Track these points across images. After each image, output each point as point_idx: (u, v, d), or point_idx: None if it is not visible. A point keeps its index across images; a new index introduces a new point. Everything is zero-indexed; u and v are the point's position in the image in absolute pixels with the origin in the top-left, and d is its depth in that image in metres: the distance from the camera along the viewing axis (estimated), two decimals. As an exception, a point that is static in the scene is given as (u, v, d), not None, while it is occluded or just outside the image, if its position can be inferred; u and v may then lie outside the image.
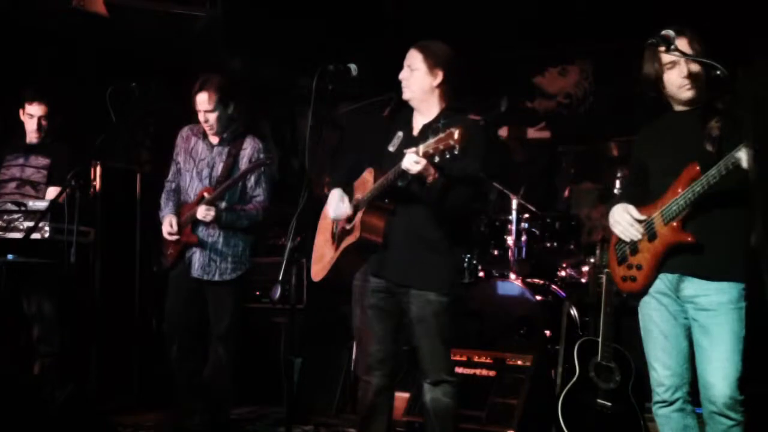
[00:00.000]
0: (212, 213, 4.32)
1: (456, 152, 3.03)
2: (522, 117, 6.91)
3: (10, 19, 5.42)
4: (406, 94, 3.57)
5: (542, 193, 6.48)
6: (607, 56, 6.51)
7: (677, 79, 3.08)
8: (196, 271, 4.44)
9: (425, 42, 3.58)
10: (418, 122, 3.60)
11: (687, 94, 3.09)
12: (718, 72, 2.91)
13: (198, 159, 4.54)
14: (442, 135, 3.06)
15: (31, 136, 4.77)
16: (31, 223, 4.31)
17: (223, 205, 4.37)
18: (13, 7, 5.35)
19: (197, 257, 4.45)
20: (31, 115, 4.74)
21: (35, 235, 4.29)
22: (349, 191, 3.67)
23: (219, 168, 4.47)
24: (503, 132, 6.95)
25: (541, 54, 6.80)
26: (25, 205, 4.45)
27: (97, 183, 5.32)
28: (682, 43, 3.02)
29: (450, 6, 6.14)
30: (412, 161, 3.19)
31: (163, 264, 4.60)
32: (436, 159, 3.11)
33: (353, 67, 3.55)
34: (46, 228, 4.36)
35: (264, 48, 6.56)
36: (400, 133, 3.61)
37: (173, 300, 4.55)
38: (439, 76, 3.52)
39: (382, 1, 6.35)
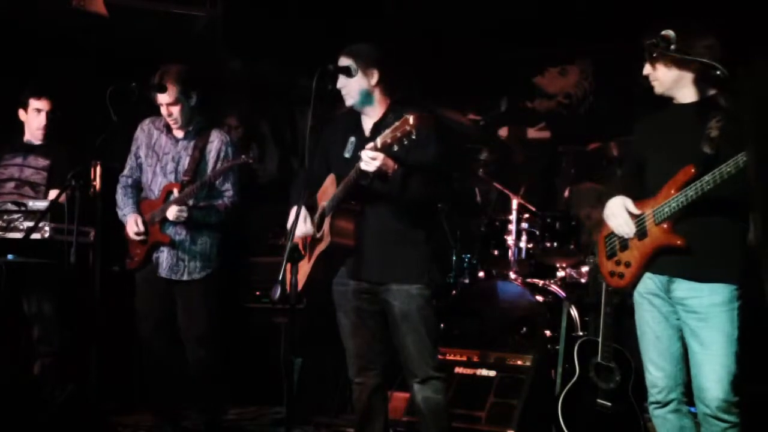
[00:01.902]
0: (185, 214, 4.21)
1: (414, 137, 3.07)
2: (522, 117, 6.90)
3: (11, 20, 5.42)
4: (348, 101, 3.59)
5: (542, 193, 6.48)
6: (607, 56, 6.50)
7: (646, 72, 3.13)
8: (163, 271, 4.34)
9: (352, 46, 3.60)
10: (368, 124, 3.62)
11: (656, 89, 3.13)
12: (718, 72, 2.91)
13: (162, 153, 4.41)
14: (397, 124, 3.09)
15: (37, 133, 4.75)
16: (31, 223, 4.31)
17: (191, 202, 4.26)
18: (14, 8, 5.35)
19: (165, 257, 4.35)
20: (39, 109, 4.73)
21: (35, 235, 4.29)
22: (312, 202, 3.68)
23: (185, 162, 4.35)
24: (503, 132, 6.95)
25: (541, 54, 6.79)
26: (25, 205, 4.45)
27: (97, 183, 5.31)
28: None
29: (450, 6, 6.14)
30: (368, 158, 3.21)
31: (127, 265, 4.48)
32: (395, 148, 3.13)
33: (353, 67, 3.56)
34: (46, 228, 4.35)
35: (264, 48, 6.56)
36: (352, 138, 3.63)
37: (144, 302, 4.46)
38: (375, 76, 3.55)
39: (382, 1, 6.35)
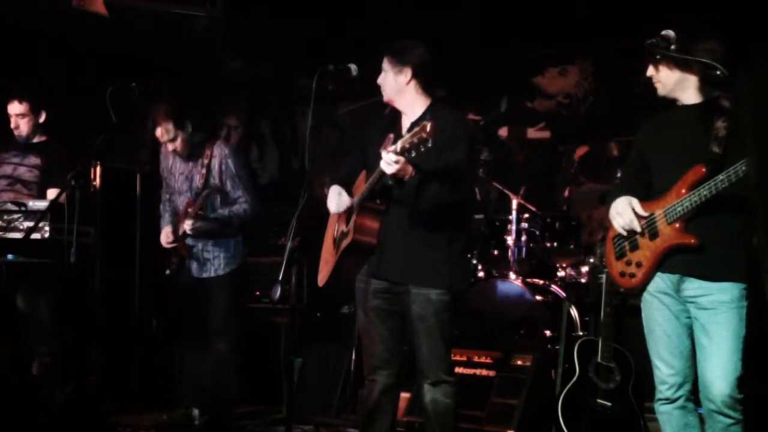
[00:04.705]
0: (198, 224, 4.51)
1: (429, 144, 3.04)
2: (522, 117, 6.91)
3: (10, 19, 5.42)
4: (384, 97, 3.62)
5: (542, 193, 6.48)
6: (607, 56, 6.50)
7: (649, 74, 3.14)
8: (194, 272, 4.66)
9: (391, 42, 3.61)
10: (406, 123, 3.62)
11: (659, 90, 3.14)
12: (718, 72, 2.91)
13: (178, 174, 4.73)
14: (416, 129, 3.08)
15: (16, 134, 4.78)
16: (31, 223, 4.31)
17: (200, 214, 4.54)
18: (13, 8, 5.35)
19: (194, 261, 4.66)
20: (10, 114, 4.76)
21: (35, 235, 4.29)
22: (348, 192, 3.69)
23: (197, 180, 4.64)
24: (503, 132, 6.95)
25: (541, 54, 6.79)
26: (25, 205, 4.46)
27: (97, 183, 5.33)
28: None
29: (450, 6, 6.14)
30: (389, 161, 3.20)
31: (171, 270, 4.78)
32: (412, 154, 3.11)
33: (353, 67, 3.56)
34: (46, 228, 4.35)
35: (264, 48, 6.56)
36: (391, 135, 3.62)
37: (177, 301, 4.78)
38: (408, 73, 3.54)
39: (382, 1, 6.35)
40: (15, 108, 4.75)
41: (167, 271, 4.83)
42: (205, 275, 4.64)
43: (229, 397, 4.70)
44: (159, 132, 4.54)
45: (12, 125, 4.77)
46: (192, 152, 4.65)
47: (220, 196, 4.61)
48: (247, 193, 4.62)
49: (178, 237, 4.65)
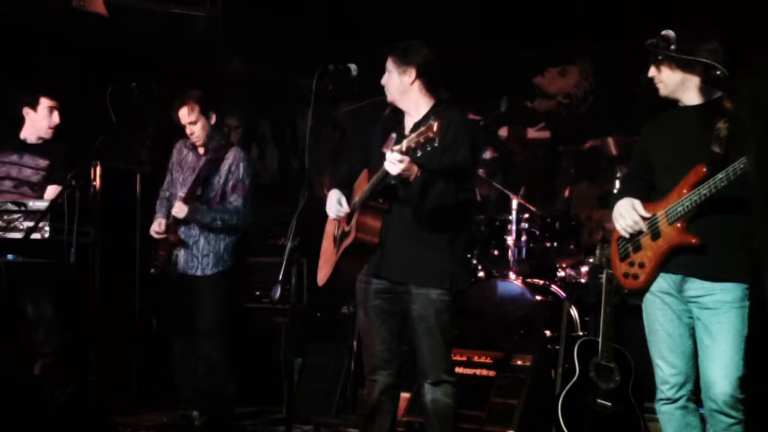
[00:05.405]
0: (185, 209, 4.56)
1: (436, 144, 3.03)
2: (522, 117, 6.91)
3: (11, 19, 5.41)
4: (388, 97, 3.63)
5: (542, 193, 6.48)
6: (607, 56, 6.51)
7: (651, 75, 3.16)
8: (180, 267, 4.68)
9: (396, 43, 3.61)
10: (409, 123, 3.61)
11: (661, 91, 3.15)
12: (718, 72, 2.92)
13: (186, 167, 4.78)
14: (422, 129, 3.06)
15: (48, 131, 4.77)
16: (31, 223, 4.31)
17: (188, 208, 4.58)
18: (13, 7, 5.35)
19: (181, 255, 4.70)
20: (52, 108, 4.76)
21: (35, 235, 4.29)
22: (348, 192, 3.68)
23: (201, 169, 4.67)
24: (503, 132, 6.96)
25: (541, 54, 6.80)
26: (25, 205, 4.45)
27: (97, 183, 5.32)
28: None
29: (450, 6, 6.15)
30: (395, 160, 3.17)
31: (157, 267, 4.78)
32: (418, 153, 3.10)
33: (353, 67, 3.55)
34: (46, 228, 4.35)
35: (264, 48, 6.56)
36: (393, 135, 3.62)
37: (168, 299, 4.82)
38: (412, 73, 3.54)
39: (382, 1, 6.35)
40: (56, 103, 4.79)
41: (152, 270, 4.84)
42: (190, 272, 4.65)
43: (225, 396, 4.70)
44: (184, 111, 4.63)
45: (53, 121, 4.78)
46: (207, 147, 4.72)
47: (220, 195, 4.66)
48: (241, 200, 4.67)
49: (170, 224, 4.67)
